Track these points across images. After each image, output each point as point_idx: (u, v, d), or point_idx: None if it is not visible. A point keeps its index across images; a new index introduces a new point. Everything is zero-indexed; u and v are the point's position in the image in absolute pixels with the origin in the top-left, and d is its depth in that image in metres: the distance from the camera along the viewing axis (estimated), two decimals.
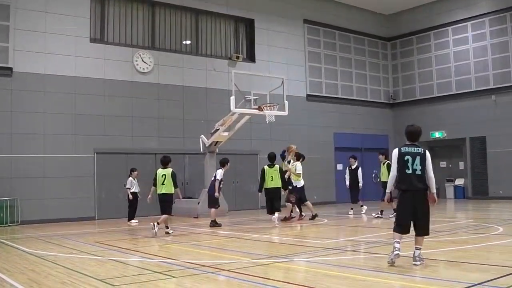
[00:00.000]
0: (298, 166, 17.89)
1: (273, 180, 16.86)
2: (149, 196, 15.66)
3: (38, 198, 19.48)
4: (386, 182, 14.79)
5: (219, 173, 17.09)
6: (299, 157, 18.36)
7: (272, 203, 16.97)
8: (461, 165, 29.03)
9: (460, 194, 28.51)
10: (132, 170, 18.93)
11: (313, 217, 18.03)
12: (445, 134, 29.21)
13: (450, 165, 29.60)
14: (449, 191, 28.97)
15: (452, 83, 29.07)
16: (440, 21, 29.75)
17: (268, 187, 16.99)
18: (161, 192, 14.98)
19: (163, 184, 14.90)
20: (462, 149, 28.83)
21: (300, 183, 17.94)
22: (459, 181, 28.78)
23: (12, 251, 12.25)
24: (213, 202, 17.12)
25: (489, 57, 27.61)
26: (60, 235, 15.33)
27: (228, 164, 17.40)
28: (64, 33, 20.62)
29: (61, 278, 8.53)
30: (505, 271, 8.02)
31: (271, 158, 17.25)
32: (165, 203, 14.98)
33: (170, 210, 15.16)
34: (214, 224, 16.58)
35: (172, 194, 15.06)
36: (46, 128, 20.02)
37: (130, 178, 18.71)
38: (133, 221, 18.64)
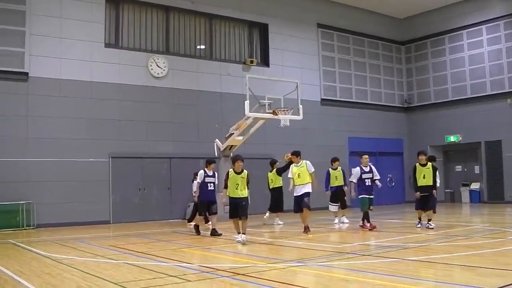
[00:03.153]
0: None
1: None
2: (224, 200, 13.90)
3: (53, 202, 19.59)
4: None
5: (199, 175, 15.84)
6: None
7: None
8: (477, 169, 28.89)
9: (476, 198, 28.36)
10: (196, 174, 18.23)
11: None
12: (460, 138, 29.05)
13: (465, 169, 29.47)
14: (465, 195, 28.82)
15: (467, 87, 28.95)
16: (454, 24, 29.66)
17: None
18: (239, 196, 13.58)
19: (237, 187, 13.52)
20: (478, 153, 28.69)
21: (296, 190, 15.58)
22: (475, 185, 28.64)
23: (28, 254, 12.32)
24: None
25: (504, 60, 27.49)
26: (75, 238, 15.40)
27: (213, 164, 16.06)
28: (79, 38, 20.78)
29: (77, 281, 8.57)
30: None
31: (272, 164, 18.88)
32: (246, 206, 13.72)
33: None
34: (214, 233, 15.24)
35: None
36: (61, 132, 20.14)
37: (195, 181, 18.00)
38: (192, 223, 18.09)
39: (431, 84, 30.87)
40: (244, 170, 13.35)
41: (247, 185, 13.34)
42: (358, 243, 13.61)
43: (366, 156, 16.37)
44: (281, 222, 18.58)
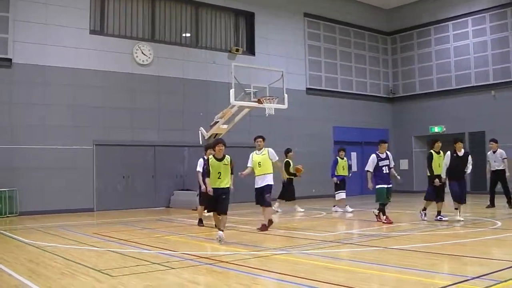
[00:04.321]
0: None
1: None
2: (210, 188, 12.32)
3: (36, 190, 19.47)
4: None
5: (199, 164, 14.90)
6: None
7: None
8: None
9: None
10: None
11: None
12: (444, 129, 29.19)
13: None
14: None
15: (452, 78, 29.07)
16: (440, 16, 29.73)
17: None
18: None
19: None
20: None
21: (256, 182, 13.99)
22: None
23: (11, 242, 12.27)
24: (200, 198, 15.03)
25: (489, 52, 27.61)
26: (59, 226, 15.34)
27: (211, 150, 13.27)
28: (64, 25, 20.57)
29: (60, 268, 8.54)
30: (504, 265, 8.04)
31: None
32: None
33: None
34: (199, 223, 14.79)
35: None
36: (45, 119, 19.99)
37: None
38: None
39: (416, 75, 30.96)
40: (226, 156, 11.44)
41: (231, 172, 11.56)
42: (342, 231, 13.68)
43: (385, 145, 14.98)
44: (302, 209, 18.93)
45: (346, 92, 29.65)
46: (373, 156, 14.75)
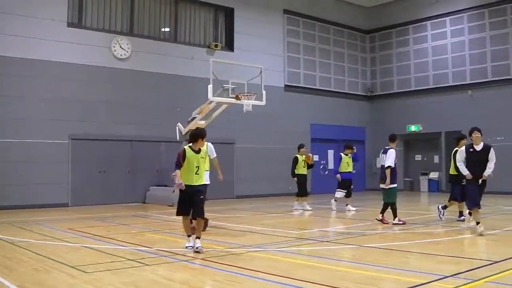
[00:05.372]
0: None
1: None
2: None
3: (11, 184, 19.20)
4: None
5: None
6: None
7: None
8: (436, 158, 29.27)
9: (434, 187, 28.79)
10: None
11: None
12: (421, 128, 29.42)
13: (425, 158, 29.82)
14: (423, 184, 29.23)
15: (430, 77, 29.27)
16: (419, 15, 29.91)
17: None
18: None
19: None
20: (438, 143, 29.06)
21: None
22: (434, 175, 29.05)
23: None
24: None
25: (466, 52, 27.84)
26: (33, 221, 15.17)
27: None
28: (41, 17, 20.31)
29: (33, 264, 8.45)
30: (477, 263, 8.13)
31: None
32: None
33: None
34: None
35: None
36: (21, 113, 19.71)
37: None
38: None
39: (394, 74, 31.12)
40: (203, 148, 9.90)
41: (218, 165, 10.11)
42: (318, 229, 13.70)
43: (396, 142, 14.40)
44: (310, 208, 18.59)
45: (324, 90, 29.70)
46: (394, 151, 13.98)
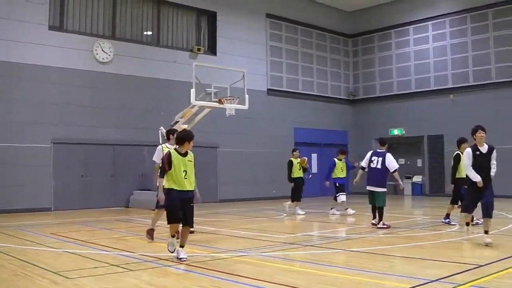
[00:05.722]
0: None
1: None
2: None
3: None
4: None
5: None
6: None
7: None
8: (419, 162, 29.46)
9: (418, 190, 28.95)
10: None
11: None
12: (404, 132, 29.57)
13: (408, 162, 29.95)
14: (407, 187, 29.23)
15: (412, 82, 29.45)
16: (401, 19, 30.09)
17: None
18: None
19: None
20: (420, 146, 29.23)
21: None
22: (417, 178, 29.21)
23: None
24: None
25: (448, 57, 28.06)
26: (15, 226, 15.01)
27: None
28: (22, 20, 20.16)
29: (14, 270, 8.35)
30: (461, 267, 8.14)
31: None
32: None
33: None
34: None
35: None
36: (2, 116, 19.57)
37: None
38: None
39: (376, 78, 31.28)
40: (189, 151, 9.34)
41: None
42: (302, 233, 13.69)
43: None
44: (302, 212, 18.42)
45: (307, 94, 29.76)
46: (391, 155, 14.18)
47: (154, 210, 12.55)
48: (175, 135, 10.07)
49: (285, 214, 18.42)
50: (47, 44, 20.70)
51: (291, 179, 18.70)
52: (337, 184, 18.33)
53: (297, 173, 18.72)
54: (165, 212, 9.48)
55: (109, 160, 22.02)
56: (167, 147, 11.74)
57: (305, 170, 19.03)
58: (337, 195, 18.27)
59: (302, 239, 12.24)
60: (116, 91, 22.34)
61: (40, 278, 7.73)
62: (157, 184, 9.26)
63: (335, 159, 18.64)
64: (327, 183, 18.59)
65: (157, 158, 12.27)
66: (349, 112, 32.09)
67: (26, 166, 19.83)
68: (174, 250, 9.21)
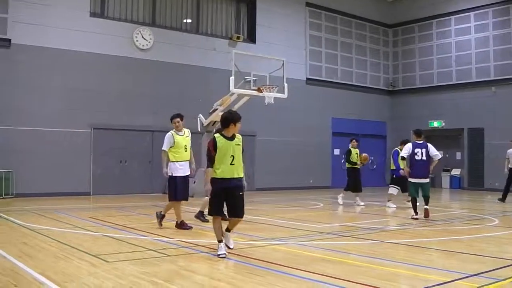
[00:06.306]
0: None
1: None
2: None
3: (33, 172, 19.37)
4: None
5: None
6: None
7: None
8: (458, 155, 29.06)
9: (456, 184, 28.59)
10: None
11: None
12: (444, 124, 29.17)
13: (447, 155, 29.55)
14: (445, 180, 29.02)
15: (453, 73, 29.00)
16: (443, 10, 29.62)
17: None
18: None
19: None
20: (460, 139, 28.81)
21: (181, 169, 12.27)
22: (455, 171, 28.84)
23: (6, 223, 12.19)
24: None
25: (490, 48, 27.54)
26: (55, 209, 15.27)
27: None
28: (64, 6, 20.40)
29: (54, 252, 8.48)
30: (501, 263, 8.01)
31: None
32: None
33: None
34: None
35: None
36: (43, 101, 19.86)
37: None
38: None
39: (416, 69, 30.89)
40: (237, 134, 8.64)
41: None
42: (339, 224, 13.63)
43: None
44: (362, 203, 17.91)
45: (345, 83, 29.56)
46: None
47: (191, 196, 12.49)
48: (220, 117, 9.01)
49: (341, 203, 18.14)
50: (88, 30, 20.93)
51: (351, 163, 18.20)
52: (394, 176, 17.65)
53: (354, 162, 18.16)
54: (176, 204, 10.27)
55: (147, 147, 22.19)
56: (177, 134, 12.03)
57: (355, 163, 18.35)
58: (391, 185, 17.74)
59: (339, 229, 12.19)
60: (155, 78, 22.47)
61: (79, 260, 7.83)
62: (204, 177, 8.56)
63: (397, 149, 17.59)
64: (402, 171, 15.86)
65: (166, 146, 12.10)
66: (387, 103, 31.78)
67: (66, 151, 20.14)
68: (223, 255, 8.23)
